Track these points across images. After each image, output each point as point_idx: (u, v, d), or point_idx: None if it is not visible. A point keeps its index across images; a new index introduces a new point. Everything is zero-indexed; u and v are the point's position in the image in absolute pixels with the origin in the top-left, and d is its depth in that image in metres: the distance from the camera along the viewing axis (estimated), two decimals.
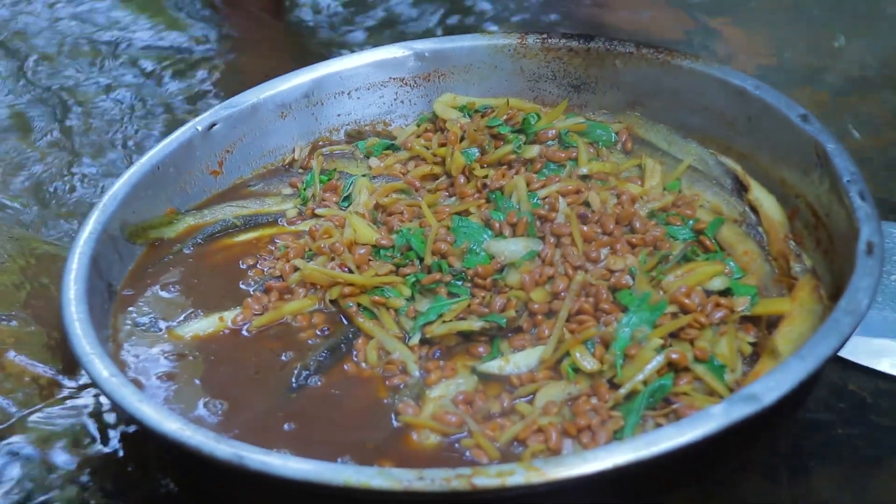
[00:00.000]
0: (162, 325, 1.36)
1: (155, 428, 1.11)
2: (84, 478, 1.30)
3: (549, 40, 1.64)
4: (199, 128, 1.55)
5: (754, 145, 1.48)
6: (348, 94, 1.66)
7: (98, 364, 1.18)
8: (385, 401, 1.24)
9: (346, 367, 1.29)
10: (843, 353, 1.28)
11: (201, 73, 2.15)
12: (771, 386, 1.07)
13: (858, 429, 1.31)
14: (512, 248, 1.35)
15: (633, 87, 1.59)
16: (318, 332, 1.34)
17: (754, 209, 1.44)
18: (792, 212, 1.42)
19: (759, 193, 1.45)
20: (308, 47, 2.27)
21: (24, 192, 1.82)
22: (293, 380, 1.27)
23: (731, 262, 1.34)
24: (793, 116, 1.42)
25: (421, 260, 1.36)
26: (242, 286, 1.42)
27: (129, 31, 2.31)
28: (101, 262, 1.36)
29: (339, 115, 1.66)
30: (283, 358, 1.30)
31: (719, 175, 1.48)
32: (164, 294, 1.41)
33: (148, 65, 2.20)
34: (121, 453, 1.33)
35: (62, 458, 1.32)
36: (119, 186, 1.45)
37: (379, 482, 1.03)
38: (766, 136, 1.46)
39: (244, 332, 1.34)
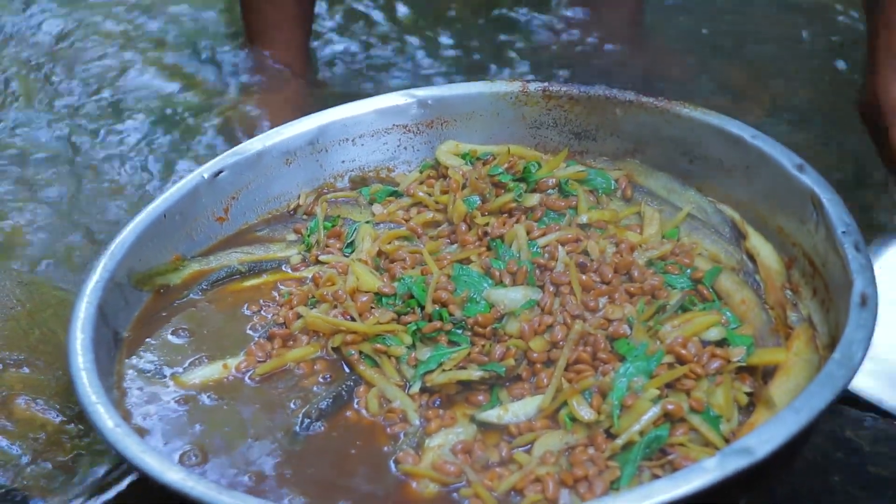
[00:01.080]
0: (167, 371, 1.38)
1: (158, 478, 1.13)
2: None
3: (551, 88, 1.66)
4: (206, 175, 1.58)
5: (752, 193, 1.50)
6: (352, 140, 1.69)
7: (103, 414, 1.20)
8: (385, 448, 1.26)
9: (347, 414, 1.31)
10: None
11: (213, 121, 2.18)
12: (765, 439, 1.09)
13: (855, 478, 1.32)
14: (511, 296, 1.37)
15: (633, 134, 1.61)
16: (321, 379, 1.36)
17: (752, 257, 1.45)
18: (789, 261, 1.44)
19: (756, 242, 1.47)
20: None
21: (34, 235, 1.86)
22: (296, 427, 1.29)
23: (728, 312, 1.35)
24: (789, 166, 1.44)
25: (422, 308, 1.38)
26: (247, 332, 1.44)
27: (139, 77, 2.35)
28: (107, 310, 1.38)
29: (343, 162, 1.69)
30: (286, 405, 1.32)
31: (718, 223, 1.50)
32: (169, 340, 1.43)
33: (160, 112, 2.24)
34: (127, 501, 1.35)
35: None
36: (126, 234, 1.47)
37: None
38: (764, 185, 1.48)
39: (248, 380, 1.36)
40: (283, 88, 2.28)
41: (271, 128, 1.68)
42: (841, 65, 2.31)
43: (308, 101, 2.25)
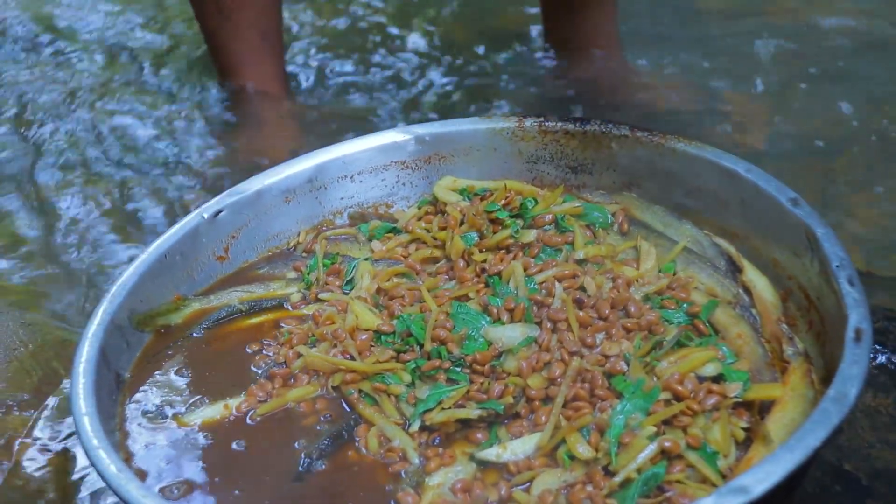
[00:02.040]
0: (168, 412, 1.39)
1: None
2: None
3: (546, 123, 1.68)
4: (205, 215, 1.59)
5: (747, 227, 1.51)
6: (351, 177, 1.70)
7: (105, 459, 1.21)
8: (387, 487, 1.27)
9: (348, 453, 1.32)
10: None
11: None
12: (760, 477, 1.10)
13: None
14: (509, 334, 1.38)
15: (629, 168, 1.63)
16: (322, 419, 1.37)
17: (748, 290, 1.46)
18: (785, 294, 1.45)
19: (752, 275, 1.47)
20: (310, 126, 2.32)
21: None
22: (297, 467, 1.30)
23: (724, 347, 1.36)
24: (783, 200, 1.45)
25: (421, 346, 1.39)
26: (248, 371, 1.44)
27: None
28: (109, 353, 1.40)
29: (342, 199, 1.70)
30: (287, 444, 1.33)
31: (713, 256, 1.51)
32: (170, 381, 1.44)
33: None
34: None
35: None
36: (127, 276, 1.49)
37: None
38: (759, 219, 1.49)
39: (249, 420, 1.37)
40: (268, 113, 2.30)
41: (272, 154, 1.70)
42: None
43: (294, 121, 2.28)
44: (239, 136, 2.27)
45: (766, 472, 1.10)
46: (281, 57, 2.39)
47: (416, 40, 2.61)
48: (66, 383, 1.35)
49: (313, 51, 2.63)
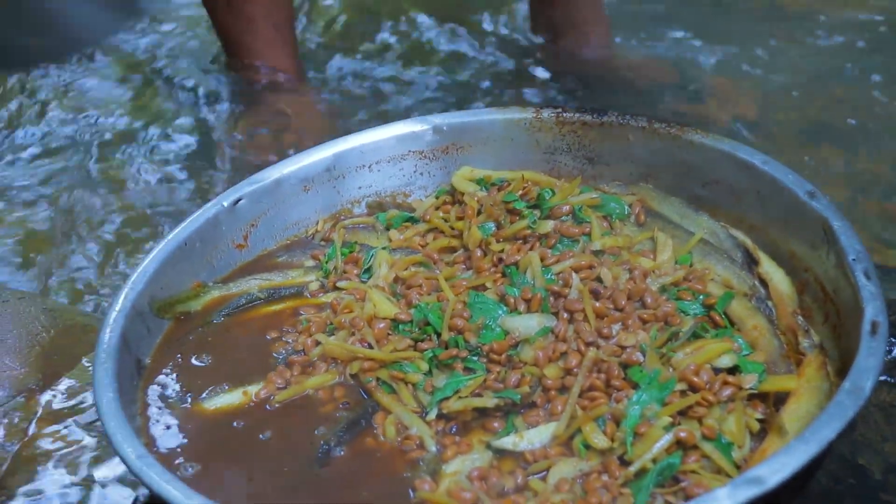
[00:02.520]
0: (188, 398, 1.40)
1: None
2: None
3: (564, 114, 1.68)
4: (225, 203, 1.61)
5: (764, 219, 1.52)
6: (369, 167, 1.71)
7: (126, 445, 1.23)
8: (404, 475, 1.28)
9: (366, 440, 1.33)
10: None
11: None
12: (775, 468, 1.11)
13: None
14: (526, 324, 1.39)
15: (646, 160, 1.64)
16: (340, 406, 1.38)
17: (764, 283, 1.47)
18: (801, 286, 1.46)
19: (768, 267, 1.48)
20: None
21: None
22: (316, 453, 1.31)
23: (740, 339, 1.37)
24: (800, 192, 1.45)
25: (438, 335, 1.41)
26: (267, 358, 1.46)
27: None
28: (130, 339, 1.41)
29: (360, 188, 1.72)
30: (306, 431, 1.34)
31: (730, 248, 1.52)
32: (190, 367, 1.46)
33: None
34: None
35: None
36: (147, 263, 1.50)
37: None
38: (775, 211, 1.50)
39: (267, 406, 1.39)
40: (285, 105, 2.31)
41: (301, 129, 1.71)
42: None
43: (312, 111, 2.29)
44: (256, 128, 2.28)
45: (781, 464, 1.11)
46: (295, 47, 2.40)
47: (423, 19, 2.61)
48: (87, 368, 1.36)
49: (328, 39, 2.64)
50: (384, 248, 1.60)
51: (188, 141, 2.28)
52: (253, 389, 1.40)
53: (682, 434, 1.23)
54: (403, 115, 2.26)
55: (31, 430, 1.46)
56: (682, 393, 1.28)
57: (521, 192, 1.58)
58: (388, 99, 2.42)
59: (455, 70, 2.47)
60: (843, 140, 2.10)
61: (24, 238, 1.97)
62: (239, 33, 2.31)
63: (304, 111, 2.31)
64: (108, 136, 2.29)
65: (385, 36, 2.63)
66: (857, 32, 2.48)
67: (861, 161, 2.08)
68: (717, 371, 1.30)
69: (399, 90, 2.45)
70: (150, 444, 1.32)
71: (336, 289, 1.56)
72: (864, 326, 1.24)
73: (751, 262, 1.50)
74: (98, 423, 1.40)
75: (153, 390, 1.41)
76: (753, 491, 1.09)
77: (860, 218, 1.89)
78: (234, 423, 1.36)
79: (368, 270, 1.58)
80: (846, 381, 1.18)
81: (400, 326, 1.44)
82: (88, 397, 1.49)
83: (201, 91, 2.44)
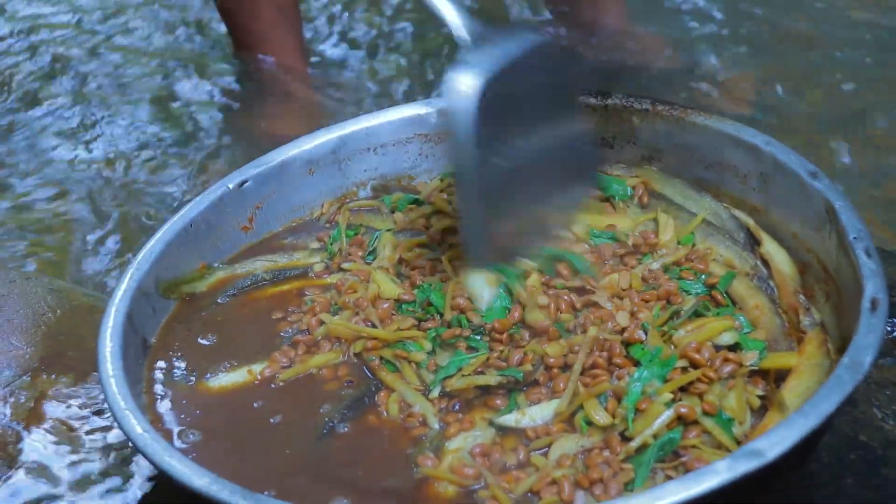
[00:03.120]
0: (193, 377, 1.41)
1: (185, 482, 1.17)
2: None
3: None
4: (230, 185, 1.62)
5: (767, 200, 1.52)
6: (374, 150, 1.72)
7: (132, 420, 1.24)
8: (408, 451, 1.29)
9: (369, 418, 1.34)
10: None
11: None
12: (775, 442, 1.11)
13: (868, 480, 1.34)
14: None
15: (650, 142, 1.64)
16: (344, 384, 1.39)
17: (766, 263, 1.47)
18: (803, 266, 1.46)
19: (770, 247, 1.49)
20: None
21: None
22: (320, 430, 1.32)
23: (741, 317, 1.38)
24: (803, 173, 1.46)
25: (441, 314, 1.42)
26: (272, 338, 1.47)
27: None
28: (135, 318, 1.42)
29: (365, 171, 1.72)
30: (310, 409, 1.35)
31: (732, 229, 1.53)
32: (196, 346, 1.47)
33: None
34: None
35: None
36: (153, 244, 1.51)
37: None
38: (778, 192, 1.50)
39: (272, 385, 1.40)
40: (290, 89, 2.31)
41: (296, 129, 1.72)
42: None
43: (316, 96, 2.29)
44: (262, 112, 2.29)
45: (781, 437, 1.12)
46: (300, 32, 2.40)
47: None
48: (93, 348, 1.37)
49: (333, 24, 2.65)
50: (388, 231, 1.61)
51: (189, 125, 2.29)
52: (257, 368, 1.41)
53: (683, 410, 1.23)
54: (410, 97, 2.26)
55: (37, 408, 1.47)
56: (684, 370, 1.29)
57: None
58: (395, 80, 2.43)
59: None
60: (848, 123, 2.10)
61: (30, 218, 1.98)
62: (245, 18, 2.31)
63: (305, 98, 2.32)
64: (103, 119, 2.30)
65: (393, 13, 2.63)
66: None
67: (865, 144, 2.08)
68: (718, 348, 1.31)
69: (407, 71, 2.46)
70: (154, 420, 1.33)
71: (341, 270, 1.57)
72: (864, 303, 1.25)
73: (753, 243, 1.50)
74: (104, 402, 1.41)
75: (158, 369, 1.42)
76: (753, 463, 1.10)
77: (866, 201, 1.89)
78: (239, 401, 1.37)
79: (373, 252, 1.58)
80: (845, 356, 1.19)
81: (403, 306, 1.45)
82: (94, 377, 1.50)
83: (206, 75, 2.45)
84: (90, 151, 2.20)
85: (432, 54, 2.51)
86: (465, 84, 1.32)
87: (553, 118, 1.42)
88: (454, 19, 1.38)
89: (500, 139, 1.36)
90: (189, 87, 2.42)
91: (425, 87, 2.40)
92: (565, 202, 1.48)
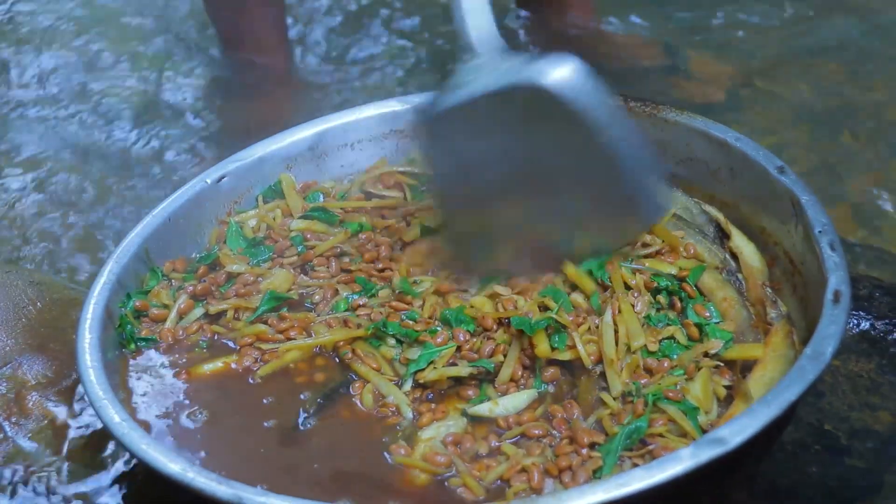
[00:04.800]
0: (171, 367, 1.43)
1: (161, 470, 1.19)
2: None
3: None
4: (208, 180, 1.64)
5: (736, 195, 1.55)
6: (351, 146, 1.74)
7: (109, 409, 1.26)
8: (382, 440, 1.31)
9: (344, 408, 1.37)
10: None
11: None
12: (737, 430, 1.14)
13: (833, 469, 1.37)
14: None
15: None
16: (319, 375, 1.41)
17: (735, 256, 1.50)
18: (771, 259, 1.49)
19: (739, 241, 1.52)
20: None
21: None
22: (295, 420, 1.34)
23: (712, 307, 1.41)
24: (770, 168, 1.49)
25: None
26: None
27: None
28: (113, 311, 1.45)
29: (342, 166, 1.74)
30: (287, 400, 1.37)
31: (702, 223, 1.55)
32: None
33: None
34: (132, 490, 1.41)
35: (79, 494, 1.41)
36: (132, 238, 1.53)
37: None
38: (747, 187, 1.53)
39: (250, 379, 1.41)
40: (270, 90, 2.32)
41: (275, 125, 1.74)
42: None
43: (297, 97, 2.30)
44: (242, 108, 2.30)
45: (743, 425, 1.15)
46: (284, 28, 2.41)
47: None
48: (73, 340, 1.39)
49: (314, 19, 2.66)
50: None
51: (170, 119, 2.30)
52: (234, 360, 1.43)
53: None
54: (385, 92, 2.28)
55: (19, 400, 1.49)
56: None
57: None
58: (369, 75, 2.44)
59: (432, 45, 2.50)
60: (824, 117, 2.14)
61: (12, 210, 2.00)
62: (229, 11, 2.32)
63: (280, 95, 2.33)
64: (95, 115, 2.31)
65: (364, 10, 2.64)
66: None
67: (843, 139, 2.11)
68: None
69: (381, 66, 2.48)
70: (133, 412, 1.35)
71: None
72: (828, 295, 1.28)
73: (722, 237, 1.53)
74: (84, 393, 1.43)
75: (136, 362, 1.44)
76: (716, 451, 1.12)
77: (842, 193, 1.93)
78: (215, 391, 1.39)
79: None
80: (808, 347, 1.22)
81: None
82: (75, 369, 1.52)
83: (186, 69, 2.47)
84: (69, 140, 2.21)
85: (407, 46, 2.53)
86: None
87: (557, 155, 1.37)
88: (477, 21, 1.36)
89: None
90: (172, 86, 2.43)
91: (402, 79, 2.42)
92: (584, 233, 1.46)
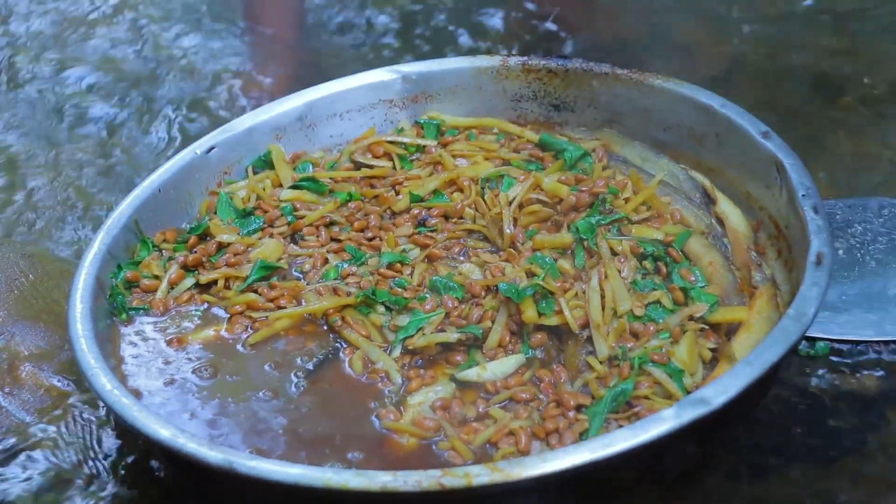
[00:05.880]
0: (162, 336, 1.45)
1: (152, 436, 1.20)
2: (92, 486, 1.39)
3: (530, 62, 1.72)
4: (198, 151, 1.65)
5: (722, 160, 1.57)
6: (340, 116, 1.75)
7: (101, 378, 1.28)
8: (372, 404, 1.33)
9: (335, 373, 1.38)
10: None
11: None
12: (720, 390, 1.16)
13: (817, 430, 1.39)
14: None
15: (609, 105, 1.68)
16: (310, 342, 1.42)
17: (721, 221, 1.52)
18: (757, 224, 1.50)
19: (725, 206, 1.53)
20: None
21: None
22: (287, 384, 1.36)
23: (697, 271, 1.42)
24: (755, 133, 1.50)
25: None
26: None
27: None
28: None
29: (331, 136, 1.75)
30: (277, 367, 1.39)
31: (689, 189, 1.56)
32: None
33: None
34: (128, 459, 1.43)
35: (72, 463, 1.42)
36: (123, 208, 1.55)
37: (356, 483, 1.12)
38: (732, 152, 1.54)
39: (240, 347, 1.43)
40: (281, 61, 2.32)
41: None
42: None
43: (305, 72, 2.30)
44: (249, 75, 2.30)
45: (726, 385, 1.16)
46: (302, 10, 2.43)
47: None
48: (65, 311, 1.40)
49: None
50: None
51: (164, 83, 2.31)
52: (224, 328, 1.45)
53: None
54: (376, 63, 2.28)
55: (12, 371, 1.50)
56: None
57: None
58: (359, 47, 2.45)
59: (428, 14, 2.50)
60: (807, 86, 2.14)
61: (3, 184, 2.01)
62: None
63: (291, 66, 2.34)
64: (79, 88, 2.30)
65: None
66: None
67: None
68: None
69: (370, 38, 2.48)
70: (123, 380, 1.36)
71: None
72: (810, 257, 1.29)
73: (708, 202, 1.54)
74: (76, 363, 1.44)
75: (127, 328, 1.45)
76: (699, 411, 1.14)
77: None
78: (207, 357, 1.40)
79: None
80: (790, 308, 1.24)
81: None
82: (67, 339, 1.53)
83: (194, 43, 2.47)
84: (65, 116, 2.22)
85: (396, 18, 2.53)
86: None
87: None
88: None
89: None
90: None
91: (393, 52, 2.42)
92: None
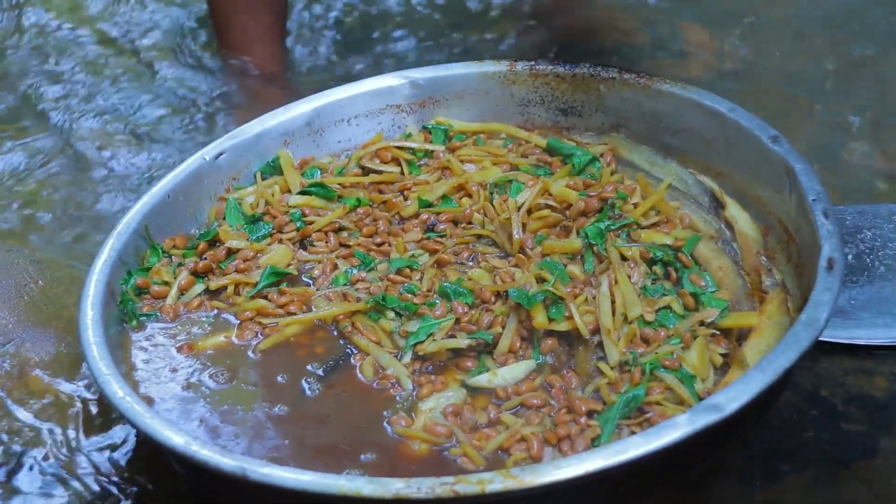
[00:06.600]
0: (173, 342, 1.45)
1: (165, 443, 1.20)
2: (103, 492, 1.40)
3: (537, 67, 1.72)
4: (207, 157, 1.65)
5: (731, 165, 1.57)
6: (347, 121, 1.75)
7: (113, 385, 1.28)
8: (383, 412, 1.33)
9: (346, 379, 1.38)
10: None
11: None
12: (733, 396, 1.16)
13: (829, 434, 1.39)
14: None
15: (617, 110, 1.68)
16: (321, 348, 1.42)
17: (730, 226, 1.52)
18: (766, 228, 1.50)
19: (734, 211, 1.53)
20: None
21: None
22: (298, 391, 1.36)
23: (707, 276, 1.42)
24: (764, 138, 1.50)
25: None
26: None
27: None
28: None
29: (339, 142, 1.75)
30: (288, 373, 1.39)
31: (697, 194, 1.56)
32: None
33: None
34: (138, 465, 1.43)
35: (83, 469, 1.42)
36: (132, 215, 1.55)
37: (369, 490, 1.12)
38: (741, 157, 1.55)
39: (251, 353, 1.43)
40: (263, 96, 2.30)
41: None
42: None
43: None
44: (234, 112, 2.28)
45: (739, 391, 1.16)
46: (284, 35, 2.39)
47: None
48: (75, 316, 1.41)
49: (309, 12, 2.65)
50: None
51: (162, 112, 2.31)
52: (234, 335, 1.45)
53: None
54: (382, 69, 2.29)
55: (22, 376, 1.50)
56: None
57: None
58: (367, 53, 2.45)
59: (432, 23, 2.50)
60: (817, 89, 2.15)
61: (11, 189, 2.01)
62: (228, 14, 2.29)
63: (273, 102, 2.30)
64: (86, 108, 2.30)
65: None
66: None
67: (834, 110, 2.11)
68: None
69: (378, 44, 2.48)
70: (135, 386, 1.36)
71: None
72: (821, 263, 1.29)
73: (717, 207, 1.54)
74: (87, 369, 1.44)
75: (139, 335, 1.45)
76: (712, 417, 1.14)
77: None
78: (218, 363, 1.41)
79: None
80: (802, 313, 1.24)
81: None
82: (77, 345, 1.53)
83: (177, 70, 2.45)
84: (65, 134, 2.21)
85: (403, 26, 2.53)
86: None
87: None
88: None
89: None
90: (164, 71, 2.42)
91: (400, 57, 2.42)
92: None
